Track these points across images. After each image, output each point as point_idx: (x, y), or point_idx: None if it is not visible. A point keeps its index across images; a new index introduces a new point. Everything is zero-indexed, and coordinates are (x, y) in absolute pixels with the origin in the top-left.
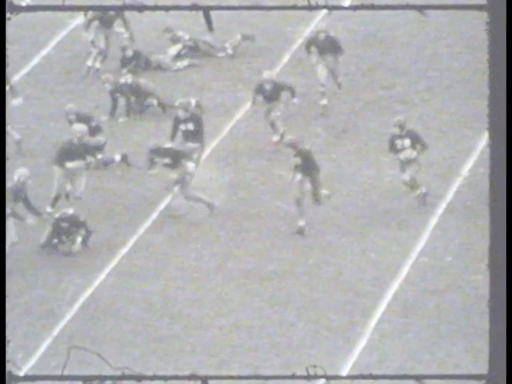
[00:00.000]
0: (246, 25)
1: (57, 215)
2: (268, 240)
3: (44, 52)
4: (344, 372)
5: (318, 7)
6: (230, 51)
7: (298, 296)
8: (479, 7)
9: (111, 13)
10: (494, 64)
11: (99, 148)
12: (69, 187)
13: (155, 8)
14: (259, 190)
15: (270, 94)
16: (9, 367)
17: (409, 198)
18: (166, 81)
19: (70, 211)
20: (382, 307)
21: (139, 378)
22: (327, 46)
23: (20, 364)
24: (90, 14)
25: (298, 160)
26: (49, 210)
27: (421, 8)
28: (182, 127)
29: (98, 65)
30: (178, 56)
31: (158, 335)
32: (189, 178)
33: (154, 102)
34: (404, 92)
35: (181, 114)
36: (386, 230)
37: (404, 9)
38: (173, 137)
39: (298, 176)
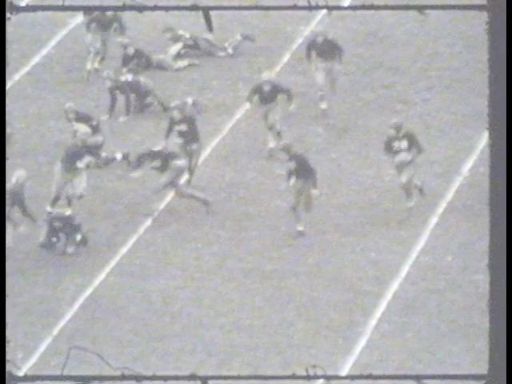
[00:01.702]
0: (246, 25)
1: (52, 214)
2: (268, 239)
3: (44, 51)
4: (344, 371)
5: (318, 7)
6: (230, 51)
7: (298, 295)
8: (479, 7)
9: (109, 16)
10: (494, 64)
11: (98, 147)
12: (70, 187)
13: (155, 8)
14: (259, 190)
15: (268, 95)
16: (9, 367)
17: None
18: (166, 80)
19: (67, 212)
20: (382, 306)
21: (139, 378)
22: (326, 50)
23: (20, 364)
24: (88, 16)
25: (292, 164)
26: (48, 209)
27: (421, 8)
28: (177, 128)
29: (96, 65)
30: (179, 55)
31: (158, 334)
32: (180, 176)
33: (155, 102)
34: (404, 91)
35: (175, 115)
36: (386, 229)
37: (404, 9)
38: (167, 138)
39: (292, 181)
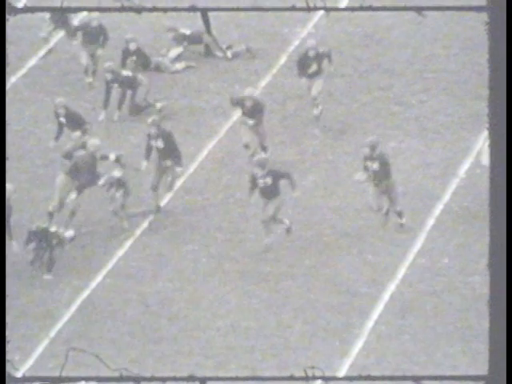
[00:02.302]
0: (244, 26)
1: (32, 228)
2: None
3: (41, 53)
4: (341, 373)
5: (316, 8)
6: (229, 55)
7: (295, 297)
8: (479, 8)
9: (94, 29)
10: (494, 64)
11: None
12: (71, 197)
13: (153, 9)
14: None
15: (250, 110)
16: (7, 368)
17: (406, 199)
18: (163, 82)
19: (44, 224)
20: (379, 308)
21: (137, 379)
22: (316, 66)
23: (18, 365)
24: (74, 29)
25: (269, 180)
26: (50, 209)
27: (420, 9)
28: (153, 144)
29: (90, 79)
30: (177, 58)
31: (156, 337)
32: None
33: (158, 105)
34: (401, 93)
35: (152, 130)
36: (382, 231)
37: (403, 10)
38: (147, 155)
39: (255, 196)
